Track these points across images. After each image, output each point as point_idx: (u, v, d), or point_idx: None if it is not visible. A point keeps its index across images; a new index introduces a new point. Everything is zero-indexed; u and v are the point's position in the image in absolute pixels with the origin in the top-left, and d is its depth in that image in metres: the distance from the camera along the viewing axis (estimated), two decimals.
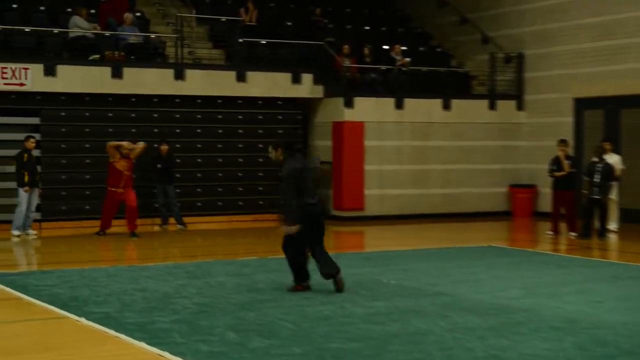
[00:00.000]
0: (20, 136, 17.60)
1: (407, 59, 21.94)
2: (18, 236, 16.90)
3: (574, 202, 17.61)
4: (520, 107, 22.65)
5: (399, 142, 21.21)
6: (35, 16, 20.01)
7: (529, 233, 19.71)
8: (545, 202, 20.26)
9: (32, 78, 18.25)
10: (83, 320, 9.09)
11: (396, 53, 22.03)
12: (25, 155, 16.89)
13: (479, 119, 22.08)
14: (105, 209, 17.32)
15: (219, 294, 10.56)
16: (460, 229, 19.68)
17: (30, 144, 17.04)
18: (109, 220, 17.36)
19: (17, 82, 18.12)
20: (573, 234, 17.33)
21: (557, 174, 17.57)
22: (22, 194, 16.85)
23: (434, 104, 21.62)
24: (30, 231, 17.21)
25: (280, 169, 10.62)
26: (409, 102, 21.31)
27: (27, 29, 19.19)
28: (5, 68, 18.02)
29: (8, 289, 11.03)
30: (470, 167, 21.99)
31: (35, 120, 18.78)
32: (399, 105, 21.21)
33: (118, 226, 17.44)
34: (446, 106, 21.73)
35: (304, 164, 10.69)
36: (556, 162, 17.65)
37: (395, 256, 14.47)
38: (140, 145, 17.55)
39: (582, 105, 21.25)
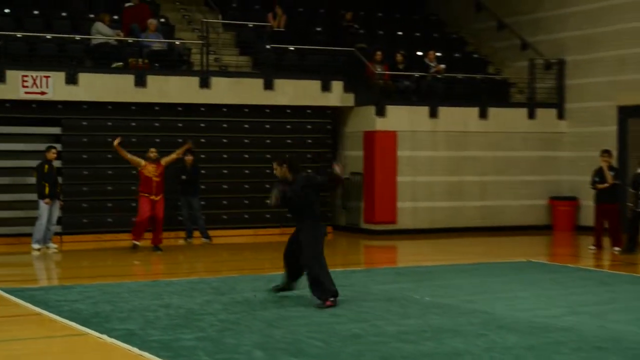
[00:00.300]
0: (41, 146, 17.80)
1: (442, 66, 21.93)
2: (38, 250, 17.05)
3: (618, 216, 17.48)
4: (561, 115, 22.55)
5: (433, 152, 21.18)
6: (57, 22, 20.24)
7: (570, 248, 19.59)
8: (588, 216, 20.12)
9: (53, 86, 18.45)
10: (105, 337, 9.16)
11: (430, 59, 22.02)
12: (46, 166, 17.05)
13: (517, 129, 22.00)
14: (139, 217, 17.03)
15: (246, 311, 10.60)
16: (497, 243, 19.59)
17: (51, 154, 17.20)
18: (143, 230, 17.13)
19: (38, 90, 18.32)
20: (617, 248, 17.21)
21: (600, 185, 17.47)
22: (43, 206, 17.01)
23: (470, 113, 21.58)
24: (51, 245, 17.36)
25: (292, 185, 10.98)
26: (443, 111, 21.29)
27: (48, 36, 19.41)
28: (26, 76, 18.23)
29: (28, 305, 11.14)
30: (508, 178, 21.91)
31: (56, 130, 18.98)
32: (434, 114, 21.19)
33: (143, 239, 17.48)
34: (483, 115, 21.68)
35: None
36: (599, 174, 17.55)
37: (429, 271, 14.44)
38: (188, 144, 17.66)
39: (626, 113, 21.10)
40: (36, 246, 17.08)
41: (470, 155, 21.56)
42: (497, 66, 24.00)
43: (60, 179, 17.83)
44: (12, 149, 18.69)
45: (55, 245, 17.44)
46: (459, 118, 21.42)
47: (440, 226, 21.08)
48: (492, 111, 21.78)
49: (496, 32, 24.40)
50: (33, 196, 17.40)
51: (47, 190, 16.96)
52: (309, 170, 11.39)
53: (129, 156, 17.13)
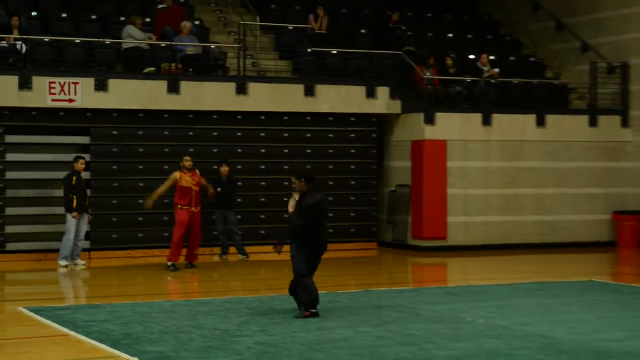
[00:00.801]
0: (69, 157, 17.98)
1: (496, 70, 21.85)
2: (65, 266, 17.21)
3: None
4: (625, 123, 22.35)
5: (487, 163, 21.09)
6: (86, 26, 20.45)
7: (635, 266, 19.39)
8: None
9: (81, 93, 18.64)
10: None
11: (483, 63, 21.95)
12: (74, 177, 17.23)
13: (577, 137, 21.84)
14: (176, 232, 16.88)
15: (285, 332, 10.61)
16: (556, 261, 19.45)
17: (80, 165, 17.38)
18: (181, 247, 16.98)
19: (66, 97, 18.52)
20: None
21: None
22: (70, 220, 17.18)
23: (527, 120, 21.46)
24: (79, 261, 17.52)
25: (305, 199, 11.46)
26: (497, 118, 21.19)
27: (77, 40, 19.62)
28: (54, 83, 18.43)
29: (55, 325, 11.25)
30: (568, 191, 21.74)
31: (84, 140, 19.15)
32: (487, 122, 21.11)
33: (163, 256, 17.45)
34: (540, 122, 21.55)
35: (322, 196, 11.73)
36: None
37: (482, 291, 14.37)
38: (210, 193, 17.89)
39: None
40: (63, 262, 17.25)
41: (527, 165, 21.43)
42: (555, 70, 23.86)
43: (88, 192, 18.00)
44: (38, 159, 18.89)
45: (83, 262, 17.60)
46: (514, 126, 21.31)
47: (493, 242, 20.96)
48: (551, 118, 21.65)
49: (554, 34, 24.27)
50: (60, 209, 17.58)
51: (75, 203, 17.12)
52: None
53: (164, 187, 17.09)
